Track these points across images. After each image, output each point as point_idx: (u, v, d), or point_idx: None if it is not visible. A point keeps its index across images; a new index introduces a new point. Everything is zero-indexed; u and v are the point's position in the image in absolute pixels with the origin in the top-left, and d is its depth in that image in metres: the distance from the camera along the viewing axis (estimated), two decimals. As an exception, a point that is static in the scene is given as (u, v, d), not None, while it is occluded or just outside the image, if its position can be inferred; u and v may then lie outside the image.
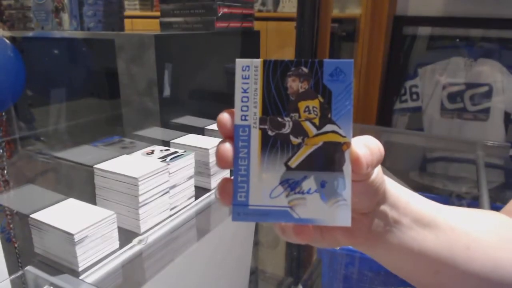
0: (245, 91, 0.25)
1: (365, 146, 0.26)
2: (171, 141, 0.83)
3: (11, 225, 0.75)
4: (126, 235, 0.64)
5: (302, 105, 0.25)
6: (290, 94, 0.25)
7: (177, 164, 0.72)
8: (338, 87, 0.25)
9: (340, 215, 0.25)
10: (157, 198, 0.68)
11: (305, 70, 0.25)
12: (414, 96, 1.73)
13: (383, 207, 0.31)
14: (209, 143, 0.82)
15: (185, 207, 0.76)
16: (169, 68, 0.90)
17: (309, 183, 0.25)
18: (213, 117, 1.05)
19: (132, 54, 0.90)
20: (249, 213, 0.26)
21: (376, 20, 1.63)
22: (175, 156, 0.73)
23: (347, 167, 0.25)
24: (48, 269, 0.57)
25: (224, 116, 0.28)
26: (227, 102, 1.27)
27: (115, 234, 0.61)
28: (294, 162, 0.26)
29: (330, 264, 0.86)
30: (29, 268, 0.57)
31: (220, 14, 1.04)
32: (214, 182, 0.83)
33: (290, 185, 0.26)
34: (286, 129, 0.25)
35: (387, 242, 0.32)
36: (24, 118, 1.17)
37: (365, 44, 1.67)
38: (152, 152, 0.76)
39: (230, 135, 0.27)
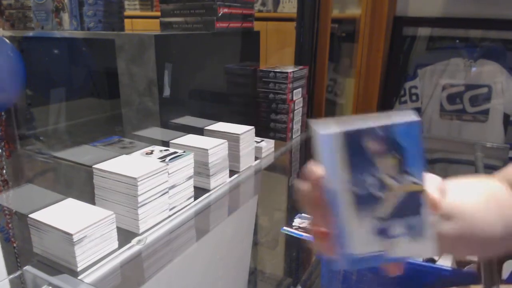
0: (330, 159, 0.30)
1: (437, 190, 0.32)
2: (170, 141, 0.83)
3: (10, 225, 0.75)
4: (125, 235, 0.64)
5: (382, 163, 0.30)
6: (371, 154, 0.30)
7: (176, 164, 0.72)
8: (409, 142, 0.30)
9: (427, 249, 0.32)
10: (156, 198, 0.68)
11: (381, 133, 0.29)
12: (414, 97, 1.73)
13: None
14: (209, 143, 0.82)
15: (184, 207, 0.76)
16: (169, 68, 0.90)
17: (398, 228, 0.31)
18: (213, 117, 1.05)
19: (132, 54, 0.90)
20: (355, 261, 0.32)
21: (376, 20, 1.63)
22: (175, 156, 0.73)
23: (425, 209, 0.31)
24: (47, 269, 0.57)
25: (314, 172, 0.32)
26: (227, 103, 1.27)
27: (114, 234, 0.61)
28: (383, 213, 0.31)
29: (329, 264, 0.86)
30: (28, 268, 0.57)
31: (220, 14, 1.04)
32: (213, 182, 0.83)
33: (383, 232, 0.31)
34: (372, 187, 0.30)
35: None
36: (24, 118, 1.17)
37: (365, 45, 1.67)
38: (151, 152, 0.76)
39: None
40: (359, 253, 0.32)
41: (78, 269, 0.56)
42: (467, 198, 0.44)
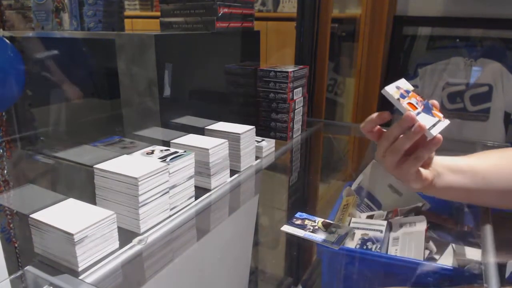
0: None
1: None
2: (171, 141, 0.83)
3: (11, 225, 0.75)
4: (126, 235, 0.64)
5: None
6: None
7: (177, 164, 0.72)
8: None
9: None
10: (157, 198, 0.68)
11: None
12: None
13: (433, 165, 0.62)
14: (209, 143, 0.82)
15: (185, 207, 0.76)
16: (169, 68, 0.90)
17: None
18: (213, 117, 1.05)
19: (132, 54, 0.90)
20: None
21: (376, 20, 1.62)
22: (175, 156, 0.73)
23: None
24: (48, 269, 0.57)
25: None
26: (228, 102, 1.27)
27: (115, 234, 0.61)
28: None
29: (330, 264, 0.86)
30: (29, 268, 0.57)
31: (220, 14, 1.04)
32: (214, 182, 0.83)
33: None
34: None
35: (437, 185, 0.62)
36: (24, 118, 1.17)
37: (365, 44, 1.67)
38: (152, 152, 0.76)
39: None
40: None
41: (79, 269, 0.56)
42: (481, 159, 0.65)
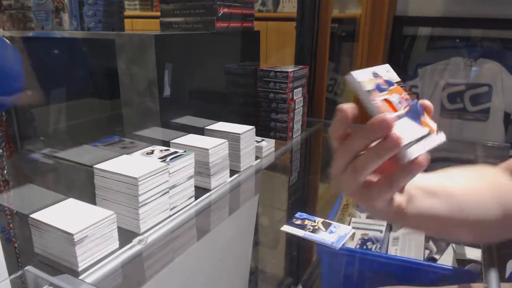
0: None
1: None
2: (171, 141, 0.83)
3: (11, 225, 0.75)
4: (126, 235, 0.64)
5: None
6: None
7: (177, 164, 0.72)
8: None
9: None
10: (157, 198, 0.68)
11: None
12: (414, 97, 1.72)
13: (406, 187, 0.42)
14: (209, 143, 0.82)
15: (185, 207, 0.76)
16: (169, 68, 0.90)
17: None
18: (213, 117, 1.05)
19: (132, 54, 0.90)
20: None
21: (376, 20, 1.62)
22: (175, 156, 0.73)
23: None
24: (48, 269, 0.57)
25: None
26: (228, 102, 1.27)
27: (115, 234, 0.61)
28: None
29: (330, 264, 0.86)
30: (29, 268, 0.57)
31: (220, 14, 1.04)
32: (214, 182, 0.83)
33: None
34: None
35: (409, 213, 0.42)
36: (24, 118, 1.17)
37: (365, 44, 1.67)
38: (152, 152, 0.76)
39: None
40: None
41: (79, 269, 0.56)
42: (455, 180, 0.46)
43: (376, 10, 1.62)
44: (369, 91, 0.37)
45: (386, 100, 0.37)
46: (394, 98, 0.38)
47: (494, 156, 1.21)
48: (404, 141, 0.35)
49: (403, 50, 1.77)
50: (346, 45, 1.92)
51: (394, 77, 0.41)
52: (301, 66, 1.20)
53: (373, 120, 0.35)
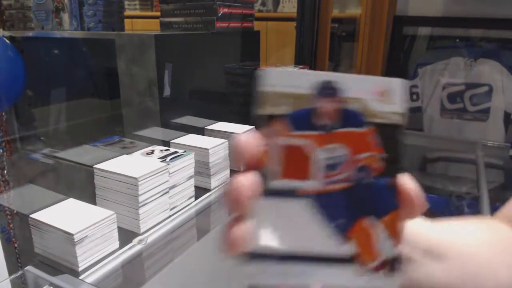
0: None
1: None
2: (171, 141, 0.83)
3: (11, 225, 0.75)
4: (126, 235, 0.64)
5: None
6: None
7: (177, 164, 0.72)
8: None
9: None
10: (157, 198, 0.68)
11: None
12: (414, 96, 1.72)
13: None
14: (209, 143, 0.82)
15: (185, 207, 0.76)
16: (169, 68, 0.90)
17: None
18: (213, 117, 1.05)
19: (132, 54, 0.90)
20: None
21: (376, 20, 1.62)
22: (175, 156, 0.73)
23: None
24: (48, 269, 0.57)
25: None
26: (228, 102, 1.27)
27: (115, 234, 0.61)
28: None
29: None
30: (29, 268, 0.57)
31: (220, 14, 1.04)
32: (214, 182, 0.83)
33: None
34: None
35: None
36: (24, 118, 1.17)
37: (365, 44, 1.67)
38: (152, 152, 0.76)
39: None
40: None
41: (79, 269, 0.56)
42: (466, 237, 0.32)
43: (376, 10, 1.62)
44: (272, 116, 0.19)
45: (294, 148, 0.19)
46: (324, 151, 0.20)
47: (494, 156, 1.21)
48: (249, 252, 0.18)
49: (403, 50, 1.77)
50: (346, 45, 1.92)
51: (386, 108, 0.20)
52: (301, 66, 1.20)
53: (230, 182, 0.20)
